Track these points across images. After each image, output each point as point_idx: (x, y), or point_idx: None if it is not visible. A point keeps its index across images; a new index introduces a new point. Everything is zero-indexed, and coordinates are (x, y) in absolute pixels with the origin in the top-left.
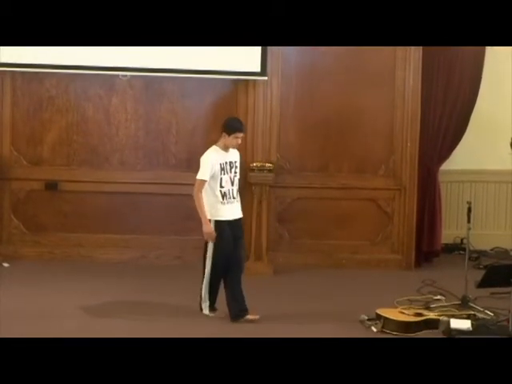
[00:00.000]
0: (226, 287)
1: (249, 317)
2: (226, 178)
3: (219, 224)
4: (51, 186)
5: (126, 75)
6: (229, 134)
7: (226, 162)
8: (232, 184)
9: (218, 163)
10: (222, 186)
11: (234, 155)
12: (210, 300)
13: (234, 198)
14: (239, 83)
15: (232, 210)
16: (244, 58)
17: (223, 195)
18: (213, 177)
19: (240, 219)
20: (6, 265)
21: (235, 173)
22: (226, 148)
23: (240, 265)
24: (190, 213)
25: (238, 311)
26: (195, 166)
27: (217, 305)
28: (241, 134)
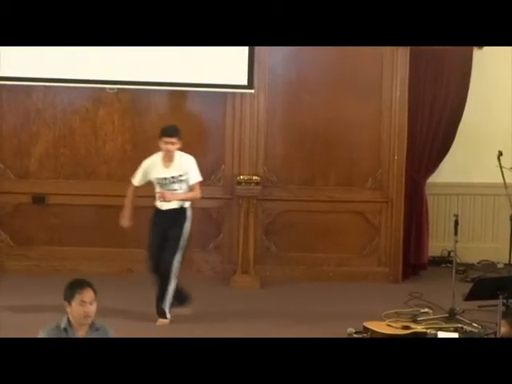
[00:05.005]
0: None
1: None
2: (161, 185)
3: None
4: (39, 199)
5: (113, 88)
6: (160, 138)
7: (164, 178)
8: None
9: (153, 175)
10: (158, 183)
11: (177, 169)
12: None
13: (174, 190)
14: (226, 96)
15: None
16: (231, 71)
17: (161, 186)
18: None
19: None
20: None
21: (180, 187)
22: (164, 155)
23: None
24: None
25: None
26: None
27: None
28: (170, 140)
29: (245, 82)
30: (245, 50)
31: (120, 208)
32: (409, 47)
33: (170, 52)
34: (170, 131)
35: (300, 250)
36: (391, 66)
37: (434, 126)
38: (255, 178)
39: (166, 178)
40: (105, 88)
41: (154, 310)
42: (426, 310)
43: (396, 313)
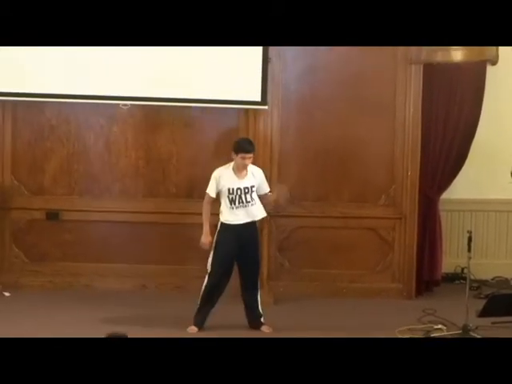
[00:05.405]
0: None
1: (263, 328)
2: (235, 194)
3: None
4: (52, 215)
5: (126, 104)
6: (236, 153)
7: (237, 189)
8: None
9: (225, 185)
10: (230, 194)
11: (250, 180)
12: (198, 311)
13: (247, 201)
14: (240, 112)
15: (239, 215)
16: (244, 87)
17: (231, 201)
18: (220, 191)
19: (250, 224)
20: (6, 294)
21: (251, 198)
22: (237, 168)
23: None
24: (191, 242)
25: (250, 320)
26: (196, 195)
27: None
28: (248, 155)
29: (258, 99)
30: (258, 66)
31: (133, 224)
32: (422, 64)
33: (184, 68)
34: (248, 148)
35: (313, 267)
36: (404, 82)
37: (448, 142)
38: (269, 194)
39: (239, 189)
40: (118, 104)
41: (167, 326)
42: (440, 326)
43: (409, 329)
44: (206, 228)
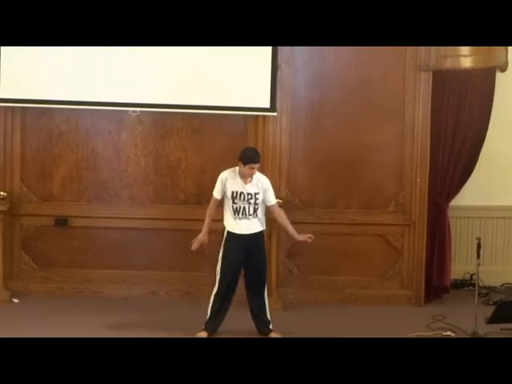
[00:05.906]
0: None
1: (271, 334)
2: (238, 203)
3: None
4: (61, 222)
5: (135, 111)
6: (244, 164)
7: (241, 193)
8: (248, 204)
9: (230, 188)
10: (234, 203)
11: (254, 187)
12: (210, 318)
13: (249, 214)
14: (249, 119)
15: (243, 226)
16: (253, 94)
17: (235, 211)
18: (226, 196)
19: (255, 234)
20: (15, 301)
21: (255, 204)
22: (242, 176)
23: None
24: (200, 248)
25: (258, 326)
26: (205, 201)
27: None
28: (255, 165)
29: (267, 105)
30: (267, 72)
31: (142, 230)
32: (431, 71)
33: (193, 74)
34: (256, 158)
35: (322, 273)
36: (414, 89)
37: (457, 149)
38: (278, 200)
39: (243, 193)
40: (127, 111)
41: (176, 329)
42: (449, 333)
43: (418, 336)
44: (206, 228)
